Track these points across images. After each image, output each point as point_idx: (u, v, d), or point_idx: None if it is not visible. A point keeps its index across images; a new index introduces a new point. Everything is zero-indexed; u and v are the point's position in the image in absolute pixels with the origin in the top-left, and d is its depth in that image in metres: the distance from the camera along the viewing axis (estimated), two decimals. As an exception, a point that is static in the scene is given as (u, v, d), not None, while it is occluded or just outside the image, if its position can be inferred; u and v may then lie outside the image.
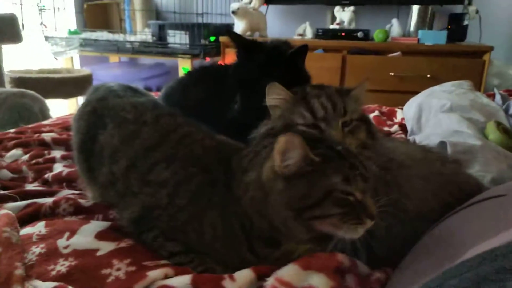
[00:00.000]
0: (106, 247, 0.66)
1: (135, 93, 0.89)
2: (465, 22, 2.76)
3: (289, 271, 0.58)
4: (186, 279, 0.59)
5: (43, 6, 3.08)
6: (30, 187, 0.96)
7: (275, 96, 0.77)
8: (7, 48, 2.41)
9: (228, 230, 0.63)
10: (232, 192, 0.63)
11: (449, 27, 2.81)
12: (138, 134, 0.75)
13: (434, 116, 1.34)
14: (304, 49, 0.97)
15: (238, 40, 1.04)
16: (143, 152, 0.72)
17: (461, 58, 2.60)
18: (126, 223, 0.72)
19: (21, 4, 2.87)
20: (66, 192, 0.91)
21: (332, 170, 0.57)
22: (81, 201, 0.83)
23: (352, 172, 0.57)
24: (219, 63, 2.56)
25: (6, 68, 2.45)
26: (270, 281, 0.57)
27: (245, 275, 0.60)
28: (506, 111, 1.40)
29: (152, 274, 0.59)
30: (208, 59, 2.92)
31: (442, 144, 1.03)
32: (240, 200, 0.62)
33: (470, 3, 2.78)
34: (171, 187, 0.67)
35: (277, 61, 0.97)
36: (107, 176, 0.75)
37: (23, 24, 2.76)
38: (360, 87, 0.80)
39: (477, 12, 2.76)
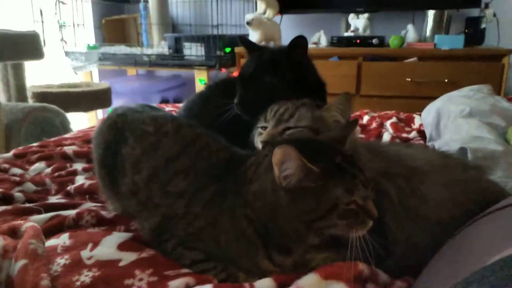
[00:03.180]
0: (128, 257, 0.67)
1: (152, 109, 0.92)
2: (483, 26, 2.73)
3: (309, 281, 0.58)
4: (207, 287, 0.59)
5: (64, 22, 3.17)
6: (53, 199, 0.99)
7: None
8: (29, 64, 2.48)
9: (240, 234, 0.64)
10: (242, 197, 0.64)
11: (466, 31, 2.78)
12: (159, 145, 0.77)
13: (453, 121, 1.32)
14: (300, 40, 0.96)
15: (247, 44, 1.07)
16: (165, 163, 0.74)
17: (479, 62, 2.56)
18: (147, 233, 0.74)
19: (42, 22, 2.97)
20: (88, 205, 0.93)
21: (334, 185, 0.58)
22: (103, 212, 0.85)
23: (353, 182, 0.59)
24: (234, 74, 2.59)
25: (29, 84, 2.52)
26: (290, 289, 0.58)
27: (265, 284, 0.61)
28: (528, 115, 1.37)
29: (173, 284, 0.60)
30: (223, 70, 2.95)
31: (462, 150, 1.02)
32: (251, 205, 0.63)
33: (487, 7, 2.74)
34: (188, 197, 0.69)
35: (276, 58, 0.98)
36: (129, 186, 0.77)
37: (44, 41, 2.84)
38: (337, 100, 0.84)
39: (494, 15, 2.72)
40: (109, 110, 0.95)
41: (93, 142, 0.91)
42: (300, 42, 0.96)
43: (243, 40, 1.08)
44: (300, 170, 0.57)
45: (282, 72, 0.95)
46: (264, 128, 0.84)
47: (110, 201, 0.89)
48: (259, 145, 0.82)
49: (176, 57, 3.06)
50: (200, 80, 2.93)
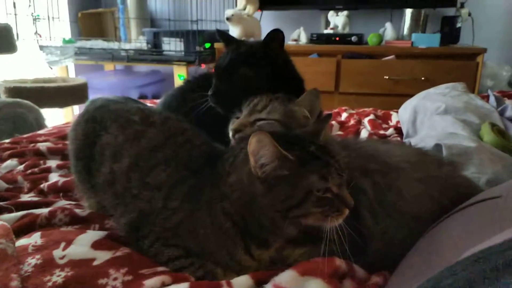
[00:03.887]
0: (102, 256, 0.66)
1: (136, 102, 0.90)
2: (458, 25, 2.78)
3: (286, 277, 0.58)
4: (184, 286, 0.58)
5: (38, 15, 3.08)
6: (26, 197, 0.96)
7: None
8: (1, 58, 2.40)
9: (217, 228, 0.64)
10: (219, 190, 0.64)
11: (442, 30, 2.83)
12: (144, 134, 0.75)
13: (429, 118, 1.34)
14: (276, 33, 0.95)
15: (224, 37, 1.06)
16: (147, 152, 0.73)
17: (454, 61, 2.62)
18: (123, 230, 0.72)
19: (15, 14, 2.87)
20: (62, 203, 0.91)
21: (308, 172, 0.58)
22: (77, 210, 0.83)
23: (327, 169, 0.59)
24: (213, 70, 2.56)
25: (1, 78, 2.44)
26: (268, 287, 0.57)
27: (243, 281, 0.60)
28: (501, 113, 1.40)
29: (149, 283, 0.59)
30: (203, 66, 2.93)
31: (437, 146, 1.04)
32: (228, 198, 0.63)
33: (462, 6, 2.80)
34: (166, 190, 0.68)
35: (252, 51, 0.98)
36: (106, 176, 0.75)
37: (17, 34, 2.75)
38: (305, 96, 0.85)
39: (469, 14, 2.79)
40: (86, 103, 0.92)
41: (70, 135, 0.88)
42: (276, 35, 0.96)
43: (221, 33, 1.08)
44: (275, 157, 0.57)
45: (258, 65, 0.95)
46: (238, 118, 0.84)
47: (86, 197, 0.87)
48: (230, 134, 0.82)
49: (154, 53, 3.02)
50: (179, 75, 2.89)
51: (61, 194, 0.99)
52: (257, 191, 0.60)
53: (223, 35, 1.07)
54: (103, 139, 0.78)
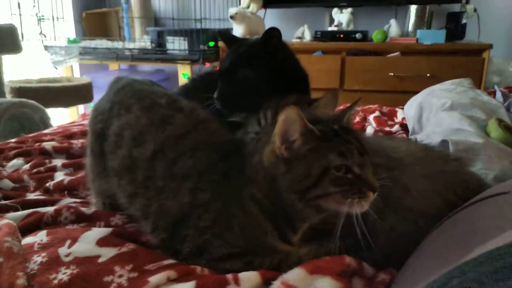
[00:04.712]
0: (107, 253, 0.66)
1: (161, 87, 0.85)
2: (463, 21, 2.76)
3: (295, 275, 0.58)
4: (190, 285, 0.58)
5: (42, 16, 3.09)
6: (31, 196, 0.96)
7: None
8: (6, 58, 2.42)
9: (248, 217, 0.62)
10: (245, 175, 0.63)
11: (447, 26, 2.81)
12: (171, 119, 0.71)
13: (435, 115, 1.33)
14: (272, 32, 0.94)
15: (225, 38, 1.06)
16: (174, 139, 0.68)
17: (460, 57, 2.60)
18: (156, 239, 0.69)
19: (20, 15, 2.89)
20: (67, 201, 0.91)
21: (327, 148, 0.57)
22: (83, 209, 0.83)
23: (347, 147, 0.58)
24: (217, 68, 2.56)
25: (6, 78, 2.45)
26: (276, 284, 0.57)
27: (250, 278, 0.60)
28: (507, 108, 1.39)
29: (154, 279, 0.58)
30: (207, 64, 2.92)
31: (444, 142, 1.03)
32: (254, 181, 0.62)
33: (467, 2, 2.78)
34: (194, 179, 0.65)
35: (251, 51, 0.97)
36: (124, 160, 0.70)
37: (22, 34, 2.77)
38: (325, 98, 0.83)
39: (475, 10, 2.76)
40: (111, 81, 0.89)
41: (90, 115, 0.85)
42: (272, 33, 0.95)
43: (222, 34, 1.08)
44: (301, 134, 0.57)
45: (258, 65, 0.94)
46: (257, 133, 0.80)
47: (93, 186, 0.83)
48: None
49: (159, 52, 3.02)
50: (184, 74, 2.89)
51: (66, 193, 0.99)
52: (278, 171, 0.59)
53: (224, 36, 1.07)
54: (123, 119, 0.73)
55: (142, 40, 3.20)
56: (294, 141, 0.58)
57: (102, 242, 0.69)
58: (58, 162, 1.19)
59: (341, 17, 2.98)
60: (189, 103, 0.76)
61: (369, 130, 1.52)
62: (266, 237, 0.62)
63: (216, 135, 0.71)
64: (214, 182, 0.65)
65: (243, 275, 0.60)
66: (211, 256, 0.64)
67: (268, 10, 3.18)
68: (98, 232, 0.72)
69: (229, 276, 0.59)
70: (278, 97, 0.84)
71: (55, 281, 0.58)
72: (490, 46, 2.52)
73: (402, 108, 1.74)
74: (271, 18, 3.23)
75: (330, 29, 3.00)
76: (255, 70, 0.94)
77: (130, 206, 0.72)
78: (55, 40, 3.16)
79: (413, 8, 2.87)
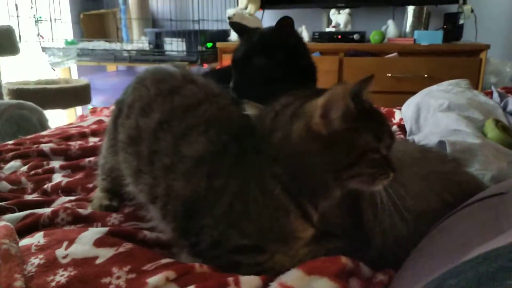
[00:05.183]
0: (105, 254, 0.65)
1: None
2: (461, 21, 2.77)
3: (292, 276, 0.58)
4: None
5: (40, 17, 3.09)
6: (29, 198, 0.96)
7: None
8: (4, 60, 2.41)
9: (269, 197, 0.58)
10: (264, 152, 0.59)
11: (444, 26, 2.82)
12: (180, 90, 0.67)
13: (432, 115, 1.34)
14: (285, 20, 0.96)
15: (237, 28, 1.08)
16: (183, 110, 0.64)
17: (457, 57, 2.61)
18: (169, 233, 0.65)
19: (17, 16, 2.88)
20: (62, 199, 0.91)
21: (365, 128, 0.57)
22: (80, 210, 0.83)
23: (381, 128, 0.58)
24: (217, 68, 2.57)
25: (4, 80, 2.45)
26: (273, 286, 0.57)
27: (251, 280, 0.59)
28: (504, 108, 1.40)
29: (152, 280, 0.58)
30: (205, 66, 2.93)
31: (441, 143, 1.03)
32: (275, 159, 0.58)
33: (465, 2, 2.79)
34: (208, 163, 0.60)
35: (264, 39, 0.99)
36: (130, 131, 0.67)
37: (20, 36, 2.76)
38: None
39: (472, 11, 2.77)
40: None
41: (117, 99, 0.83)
42: (285, 22, 0.97)
43: (234, 24, 1.10)
44: (344, 110, 0.55)
45: (271, 53, 0.96)
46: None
47: (102, 165, 0.82)
48: None
49: (157, 53, 3.02)
50: (182, 76, 2.89)
51: (59, 191, 0.98)
52: (312, 148, 0.56)
53: (236, 26, 1.09)
54: (136, 93, 0.71)
55: (140, 42, 3.21)
56: (335, 118, 0.55)
57: (99, 242, 0.68)
58: (56, 164, 1.19)
59: (339, 18, 2.99)
60: (204, 79, 0.74)
61: (367, 131, 1.52)
62: (289, 217, 0.59)
63: (228, 112, 0.67)
64: (229, 165, 0.60)
65: (244, 278, 0.60)
66: (225, 249, 0.61)
67: (266, 11, 3.18)
68: (94, 232, 0.71)
69: (230, 278, 0.59)
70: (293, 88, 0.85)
71: (53, 283, 0.58)
72: (487, 47, 2.53)
73: (400, 109, 1.74)
74: (269, 19, 3.23)
75: (328, 30, 3.00)
76: (269, 58, 0.96)
77: (135, 188, 0.68)
78: (52, 41, 3.15)
79: (410, 9, 2.88)
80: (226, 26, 3.03)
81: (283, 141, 0.58)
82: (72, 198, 0.92)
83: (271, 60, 0.96)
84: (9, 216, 0.80)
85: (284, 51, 0.97)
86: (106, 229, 0.73)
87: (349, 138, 0.56)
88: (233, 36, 2.95)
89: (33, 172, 1.13)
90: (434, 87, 1.60)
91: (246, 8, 2.92)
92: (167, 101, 0.65)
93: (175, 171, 0.62)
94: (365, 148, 0.56)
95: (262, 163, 0.59)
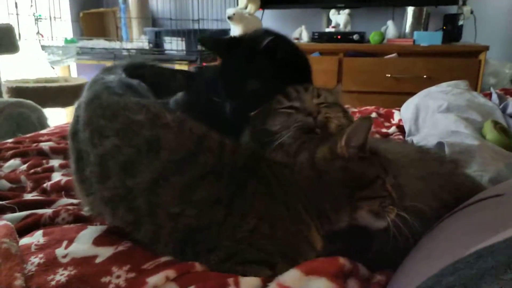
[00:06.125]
0: (104, 252, 0.65)
1: (135, 94, 0.73)
2: (460, 22, 2.78)
3: (290, 276, 0.58)
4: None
5: (39, 15, 3.08)
6: (29, 196, 0.96)
7: None
8: (3, 58, 2.41)
9: (294, 213, 0.64)
10: (288, 176, 0.67)
11: (444, 27, 2.82)
12: (160, 143, 0.63)
13: (431, 116, 1.34)
14: (274, 41, 0.85)
15: (211, 45, 0.97)
16: (175, 166, 0.63)
17: (457, 58, 2.62)
18: (170, 249, 0.65)
19: (17, 14, 2.88)
20: (65, 201, 0.91)
21: (377, 160, 0.67)
22: (82, 211, 0.82)
23: (388, 164, 0.68)
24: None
25: (3, 78, 2.45)
26: (272, 286, 0.57)
27: (250, 280, 0.59)
28: (503, 110, 1.40)
29: (152, 280, 0.58)
30: (204, 65, 2.93)
31: (440, 144, 1.04)
32: (298, 182, 0.66)
33: (464, 4, 2.79)
34: (226, 201, 0.63)
35: (254, 61, 0.87)
36: (116, 191, 0.64)
37: (19, 34, 2.76)
38: (336, 88, 0.90)
39: (471, 12, 2.78)
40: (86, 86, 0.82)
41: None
42: (274, 42, 0.86)
43: (205, 41, 0.97)
44: (363, 142, 0.65)
45: (263, 74, 0.87)
46: (292, 108, 0.78)
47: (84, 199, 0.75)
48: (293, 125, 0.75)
49: (156, 52, 3.02)
50: (181, 75, 2.89)
51: (63, 193, 0.99)
52: (332, 166, 0.65)
53: (209, 44, 0.97)
54: (100, 149, 0.65)
55: (139, 41, 3.20)
56: (354, 146, 0.65)
57: (98, 241, 0.68)
58: (55, 162, 1.19)
59: (339, 18, 2.99)
60: (174, 114, 0.68)
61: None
62: (310, 230, 0.65)
63: (225, 152, 0.66)
64: (251, 195, 0.64)
65: (243, 278, 0.60)
66: (236, 262, 0.62)
67: (266, 11, 3.18)
68: (94, 230, 0.71)
69: (230, 278, 0.59)
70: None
71: (53, 282, 0.58)
72: (486, 48, 2.54)
73: (399, 110, 1.74)
74: (269, 19, 3.23)
75: (327, 30, 3.01)
76: (262, 80, 0.87)
77: (133, 232, 0.68)
78: (52, 40, 3.15)
79: (410, 10, 2.88)
80: (226, 25, 3.03)
81: (307, 159, 0.67)
82: (75, 201, 0.91)
83: (265, 80, 0.86)
84: (9, 215, 0.80)
85: (275, 66, 0.87)
86: (105, 227, 0.73)
87: (363, 165, 0.66)
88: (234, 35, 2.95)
89: (32, 170, 1.13)
90: (433, 88, 1.60)
91: (246, 7, 2.92)
92: (153, 158, 0.63)
93: (185, 214, 0.63)
94: (378, 174, 0.65)
95: (286, 183, 0.66)
